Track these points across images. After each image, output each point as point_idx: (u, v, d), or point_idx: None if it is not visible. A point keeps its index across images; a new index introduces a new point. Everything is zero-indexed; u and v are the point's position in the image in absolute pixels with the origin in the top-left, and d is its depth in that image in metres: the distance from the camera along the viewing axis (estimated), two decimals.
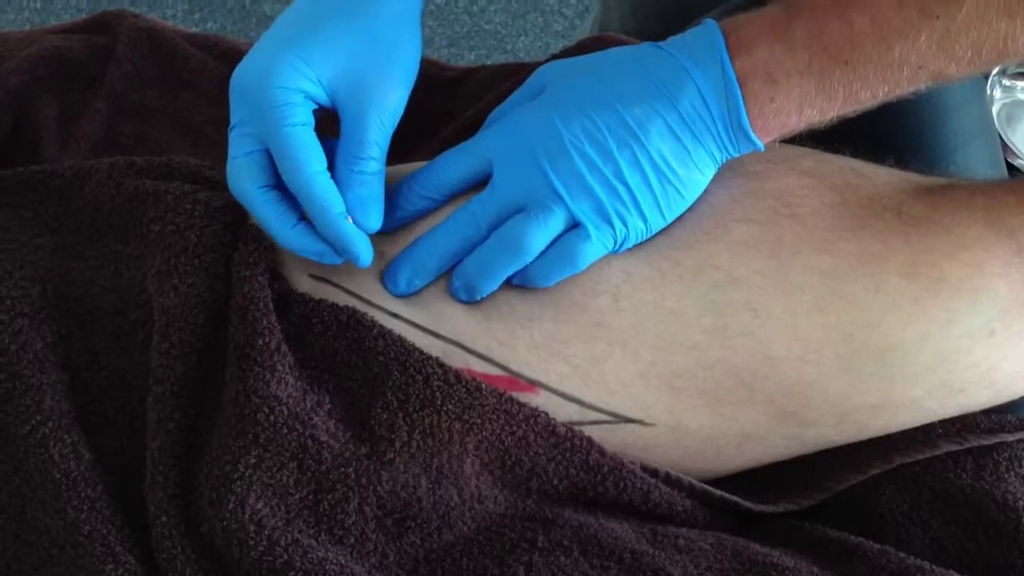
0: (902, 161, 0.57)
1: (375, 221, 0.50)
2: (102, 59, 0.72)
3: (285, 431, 0.46)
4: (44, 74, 0.70)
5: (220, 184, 0.56)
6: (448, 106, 0.73)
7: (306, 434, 0.46)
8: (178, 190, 0.53)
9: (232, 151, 0.50)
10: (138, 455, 0.47)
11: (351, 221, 0.49)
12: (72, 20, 0.77)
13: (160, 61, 0.72)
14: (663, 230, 0.52)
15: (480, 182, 0.52)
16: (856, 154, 0.56)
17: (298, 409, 0.47)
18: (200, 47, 0.74)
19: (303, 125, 0.49)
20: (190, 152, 0.70)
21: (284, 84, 0.49)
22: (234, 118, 0.50)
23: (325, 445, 0.46)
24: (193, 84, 0.72)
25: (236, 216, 0.54)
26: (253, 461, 0.45)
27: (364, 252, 0.49)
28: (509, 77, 0.71)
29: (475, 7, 1.61)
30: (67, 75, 0.71)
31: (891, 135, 0.62)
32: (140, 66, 0.71)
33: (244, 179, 0.50)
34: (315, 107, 0.50)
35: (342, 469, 0.46)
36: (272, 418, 0.46)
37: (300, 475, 0.46)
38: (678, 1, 0.76)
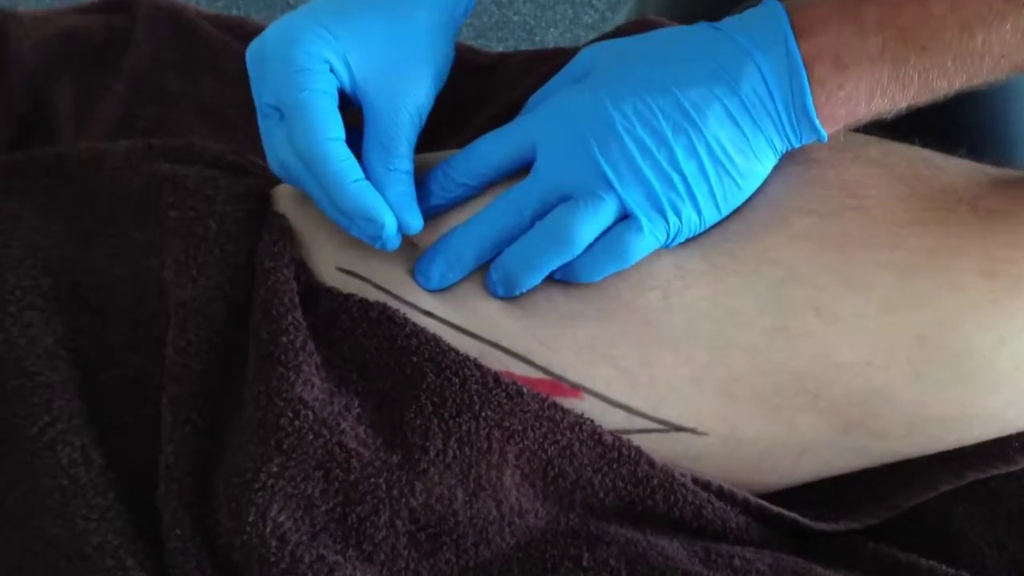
0: (974, 152, 0.53)
1: (419, 219, 0.48)
2: (121, 40, 0.69)
3: (311, 437, 0.43)
4: (61, 55, 0.67)
5: (244, 169, 0.54)
6: (482, 93, 0.70)
7: (333, 440, 0.43)
8: (199, 175, 0.50)
9: (262, 127, 0.48)
10: (152, 460, 0.44)
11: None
12: None
13: (181, 43, 0.69)
14: (717, 223, 0.48)
15: (522, 168, 0.49)
16: (924, 144, 0.53)
17: (325, 413, 0.43)
18: (223, 29, 0.71)
19: (324, 93, 0.46)
20: (212, 137, 0.67)
21: (308, 50, 0.46)
22: (255, 92, 0.48)
23: (354, 453, 0.43)
24: (216, 67, 0.69)
25: (260, 204, 0.51)
26: (275, 470, 0.42)
27: (391, 222, 0.46)
28: (546, 63, 0.68)
29: None
30: (85, 56, 0.68)
31: (961, 123, 0.59)
32: (160, 48, 0.68)
33: (280, 151, 0.47)
34: (337, 85, 0.47)
35: (372, 479, 0.43)
36: (297, 423, 0.43)
37: (327, 485, 0.43)
38: None
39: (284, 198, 0.52)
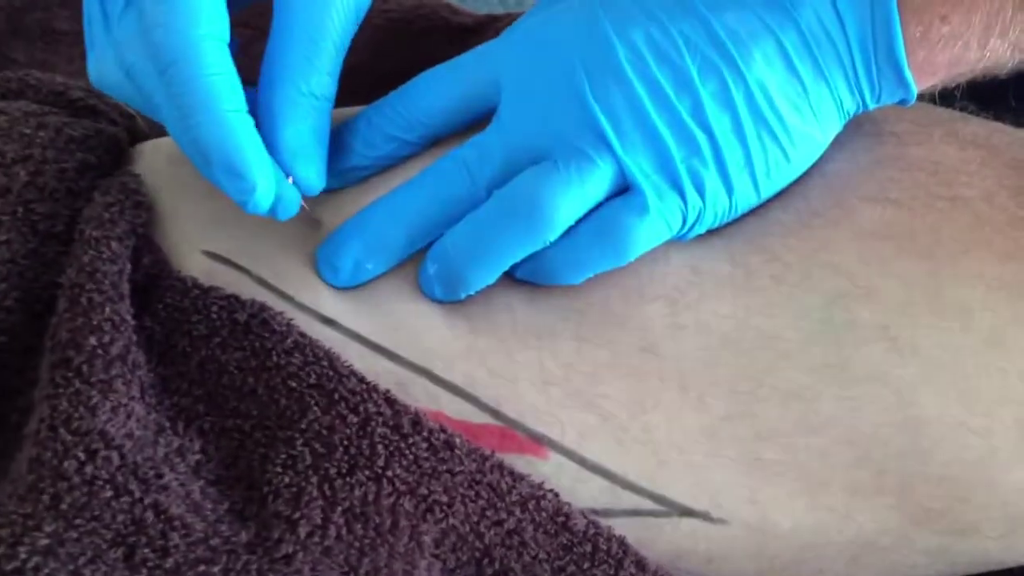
0: None
1: (319, 172, 0.35)
2: None
3: (109, 493, 0.29)
4: None
5: (94, 111, 0.40)
6: None
7: (146, 501, 0.29)
8: (18, 111, 0.37)
9: (92, 18, 0.34)
10: None
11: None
12: None
13: None
14: (753, 210, 0.37)
15: (480, 118, 0.37)
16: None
17: (139, 458, 0.30)
18: None
19: None
20: None
21: None
22: None
23: (177, 523, 0.29)
24: None
25: (108, 157, 0.38)
26: (45, 542, 0.28)
27: (264, 181, 0.32)
28: None
29: None
30: None
31: None
32: None
33: (127, 49, 0.33)
34: None
35: (203, 567, 0.29)
36: (90, 469, 0.29)
37: (128, 573, 0.29)
38: None
39: (150, 155, 0.39)
